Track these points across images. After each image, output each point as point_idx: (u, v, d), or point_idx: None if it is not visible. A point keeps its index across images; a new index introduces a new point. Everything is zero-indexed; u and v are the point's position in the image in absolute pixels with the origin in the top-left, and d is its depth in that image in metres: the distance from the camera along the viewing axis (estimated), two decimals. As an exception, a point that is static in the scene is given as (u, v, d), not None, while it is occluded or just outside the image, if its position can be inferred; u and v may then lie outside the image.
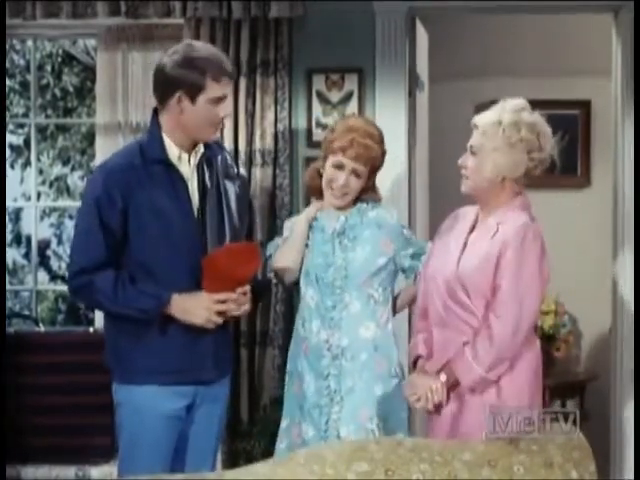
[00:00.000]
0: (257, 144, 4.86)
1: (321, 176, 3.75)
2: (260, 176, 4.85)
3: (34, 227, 5.91)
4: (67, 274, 3.47)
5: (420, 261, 3.68)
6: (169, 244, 3.34)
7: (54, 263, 9.67)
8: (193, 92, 3.33)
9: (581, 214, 6.28)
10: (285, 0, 4.79)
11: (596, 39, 5.73)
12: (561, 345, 6.09)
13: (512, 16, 5.80)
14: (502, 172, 3.34)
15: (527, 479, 2.64)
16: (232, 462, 4.67)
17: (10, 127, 8.67)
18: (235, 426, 4.75)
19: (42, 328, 5.42)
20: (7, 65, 7.67)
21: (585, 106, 6.33)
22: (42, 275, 9.19)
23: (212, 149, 3.50)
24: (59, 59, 9.19)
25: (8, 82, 8.31)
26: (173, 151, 3.41)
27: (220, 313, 3.36)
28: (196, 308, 3.34)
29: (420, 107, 5.30)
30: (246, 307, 3.44)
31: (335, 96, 4.91)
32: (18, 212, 9.32)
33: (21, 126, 8.98)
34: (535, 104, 3.45)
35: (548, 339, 5.98)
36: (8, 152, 8.81)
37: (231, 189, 3.51)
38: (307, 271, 3.70)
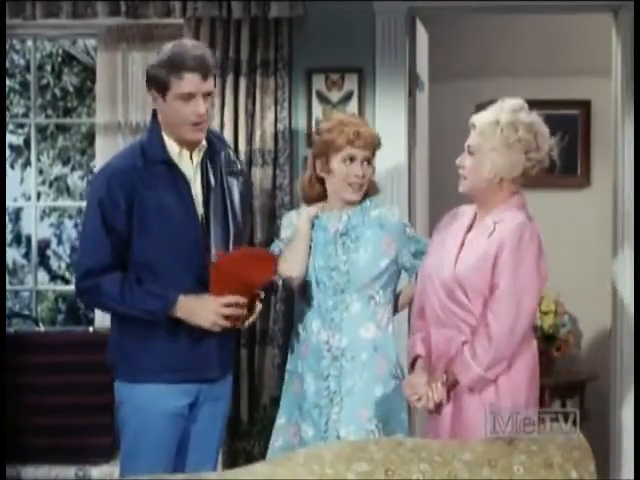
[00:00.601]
0: (257, 144, 4.86)
1: (320, 180, 3.75)
2: (260, 176, 4.85)
3: (34, 227, 5.91)
4: (74, 277, 3.48)
5: (422, 260, 3.67)
6: (173, 244, 3.35)
7: (54, 263, 9.66)
8: (160, 89, 3.35)
9: (581, 214, 6.28)
10: (285, 0, 4.79)
11: (596, 39, 5.73)
12: (561, 345, 6.08)
13: (512, 16, 5.81)
14: (500, 172, 3.34)
15: (527, 479, 2.64)
16: (232, 462, 4.67)
17: (10, 127, 8.66)
18: (235, 426, 4.74)
19: (42, 328, 5.42)
20: (7, 65, 7.66)
21: (585, 106, 6.33)
22: (42, 275, 9.18)
23: (215, 145, 3.50)
24: (59, 59, 9.19)
25: (8, 82, 8.31)
26: (174, 149, 3.41)
27: (227, 317, 3.36)
28: (203, 310, 3.34)
29: (420, 107, 5.30)
30: (253, 317, 3.46)
31: (335, 96, 4.90)
32: (18, 212, 9.32)
33: (21, 126, 8.98)
34: (535, 104, 3.45)
35: (548, 339, 5.98)
36: (8, 152, 8.81)
37: (235, 187, 3.51)
38: (308, 272, 3.69)
